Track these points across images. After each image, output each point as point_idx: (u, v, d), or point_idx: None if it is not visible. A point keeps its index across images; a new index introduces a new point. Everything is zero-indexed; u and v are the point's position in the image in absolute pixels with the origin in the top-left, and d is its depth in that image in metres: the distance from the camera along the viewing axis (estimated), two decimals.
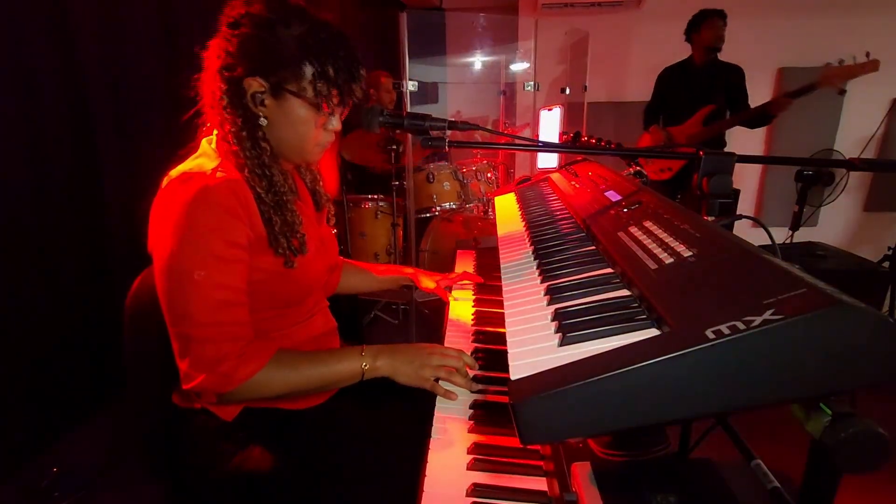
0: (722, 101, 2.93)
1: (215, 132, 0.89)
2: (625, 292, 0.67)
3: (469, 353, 0.96)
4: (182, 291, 0.79)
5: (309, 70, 0.84)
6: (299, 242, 0.91)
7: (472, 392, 0.91)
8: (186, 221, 0.79)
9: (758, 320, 0.42)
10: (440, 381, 0.90)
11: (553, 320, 0.66)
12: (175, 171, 0.84)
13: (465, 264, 1.57)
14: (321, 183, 1.11)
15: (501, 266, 0.98)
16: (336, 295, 1.24)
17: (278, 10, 0.84)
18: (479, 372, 0.92)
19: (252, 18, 0.83)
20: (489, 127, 1.05)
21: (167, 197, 0.82)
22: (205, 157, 0.87)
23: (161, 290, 0.82)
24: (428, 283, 1.31)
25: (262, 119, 0.87)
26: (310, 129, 0.89)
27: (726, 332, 0.43)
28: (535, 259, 0.95)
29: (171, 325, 0.82)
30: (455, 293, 1.36)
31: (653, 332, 0.54)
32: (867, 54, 2.44)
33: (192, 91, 0.90)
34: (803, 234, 3.12)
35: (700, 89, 2.96)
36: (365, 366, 0.89)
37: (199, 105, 0.90)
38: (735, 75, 2.96)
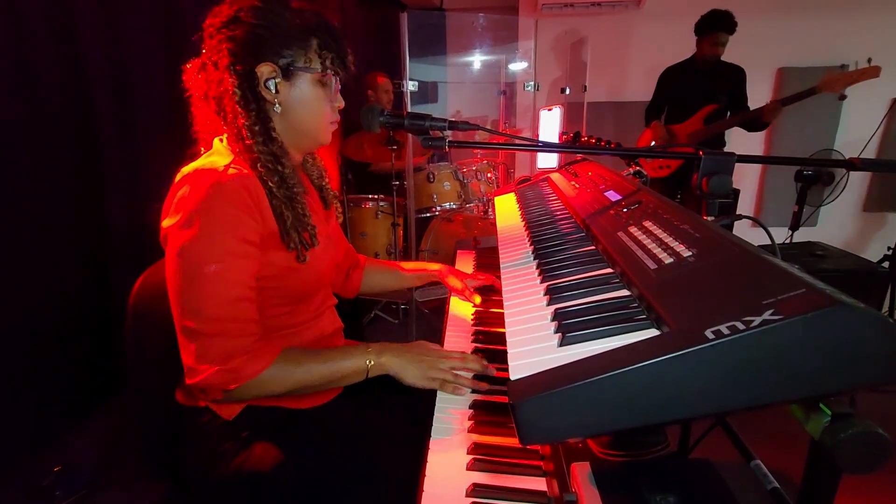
0: (725, 101, 2.94)
1: (225, 135, 0.90)
2: (624, 292, 0.67)
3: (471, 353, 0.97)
4: (194, 286, 0.80)
5: (314, 43, 0.89)
6: (310, 235, 0.92)
7: (478, 391, 0.91)
8: (199, 217, 0.79)
9: (757, 320, 0.42)
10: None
11: (553, 320, 0.66)
12: (188, 168, 0.85)
13: (465, 264, 1.57)
14: (328, 180, 1.12)
15: (501, 266, 0.98)
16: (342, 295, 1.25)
17: None
18: (477, 371, 0.92)
19: (250, 10, 0.87)
20: (489, 127, 1.05)
21: (181, 192, 0.82)
22: (217, 154, 0.89)
23: (172, 284, 0.82)
24: (455, 282, 1.28)
25: (276, 106, 0.90)
26: (323, 105, 0.93)
27: (726, 332, 0.43)
28: (534, 259, 0.95)
29: (179, 320, 0.81)
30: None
31: (652, 333, 0.54)
32: (868, 60, 2.45)
33: (186, 107, 0.93)
34: (803, 234, 3.12)
35: (703, 89, 2.97)
36: (370, 363, 0.89)
37: (196, 119, 0.93)
38: (737, 76, 2.96)
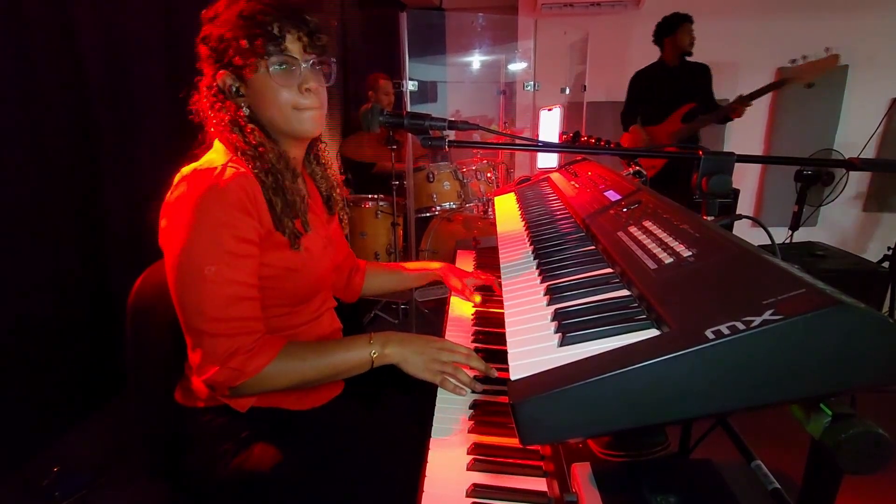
0: (700, 99, 3.02)
1: None
2: (624, 292, 0.67)
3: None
4: (193, 287, 0.80)
5: (246, 37, 0.86)
6: (302, 222, 0.93)
7: (475, 392, 0.91)
8: (197, 217, 0.80)
9: (757, 320, 0.42)
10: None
11: (553, 320, 0.66)
12: (187, 168, 0.86)
13: (464, 264, 1.57)
14: (338, 191, 1.12)
15: (501, 266, 0.98)
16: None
17: (209, 9, 0.90)
18: (479, 371, 0.92)
19: (205, 25, 0.90)
20: (489, 126, 1.05)
21: (179, 193, 0.83)
22: (216, 153, 0.90)
23: (173, 285, 0.83)
24: (455, 282, 1.28)
25: (244, 109, 0.91)
26: (278, 93, 0.90)
27: (726, 332, 0.43)
28: (534, 259, 0.94)
29: (183, 320, 0.83)
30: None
31: (652, 333, 0.54)
32: (826, 49, 2.56)
33: (192, 111, 0.95)
34: (803, 234, 3.12)
35: (676, 89, 3.05)
36: (374, 353, 0.89)
37: (202, 121, 0.95)
38: (704, 74, 3.06)
